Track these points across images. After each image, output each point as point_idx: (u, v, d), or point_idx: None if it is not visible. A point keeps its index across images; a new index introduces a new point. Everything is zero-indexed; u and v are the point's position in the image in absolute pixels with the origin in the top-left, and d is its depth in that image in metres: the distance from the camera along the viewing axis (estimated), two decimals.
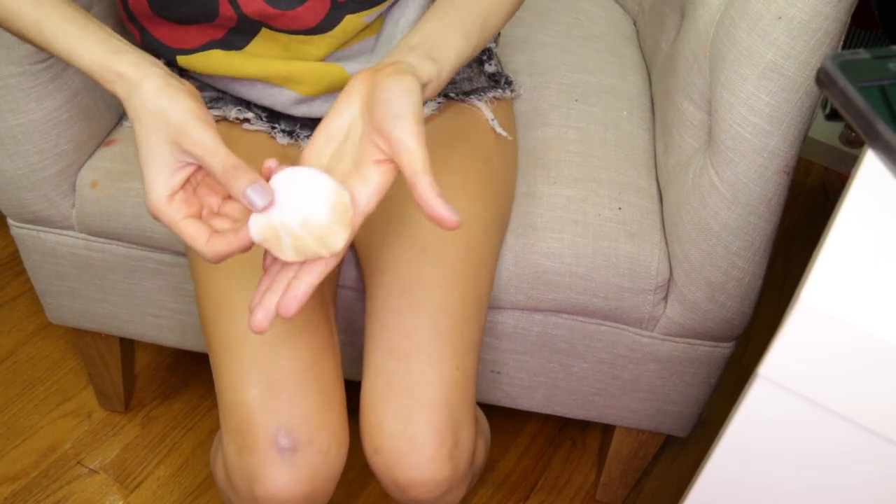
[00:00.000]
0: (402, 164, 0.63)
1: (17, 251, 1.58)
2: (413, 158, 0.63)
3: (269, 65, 0.88)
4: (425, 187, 0.63)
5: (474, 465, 0.85)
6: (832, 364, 0.48)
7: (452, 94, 0.94)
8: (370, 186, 0.66)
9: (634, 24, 1.29)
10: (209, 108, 0.92)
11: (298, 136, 0.93)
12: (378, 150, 0.65)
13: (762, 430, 0.55)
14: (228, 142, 0.90)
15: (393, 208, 0.88)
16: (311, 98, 0.91)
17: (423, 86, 0.67)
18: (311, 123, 0.95)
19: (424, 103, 0.71)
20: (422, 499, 0.80)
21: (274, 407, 0.77)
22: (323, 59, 0.89)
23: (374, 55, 0.91)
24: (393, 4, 0.89)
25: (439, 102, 0.93)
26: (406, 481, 0.78)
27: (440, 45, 0.70)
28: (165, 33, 0.89)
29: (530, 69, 1.14)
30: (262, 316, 0.65)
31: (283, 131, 0.92)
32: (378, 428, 0.79)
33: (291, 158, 0.91)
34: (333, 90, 0.90)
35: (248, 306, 0.80)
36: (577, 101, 1.10)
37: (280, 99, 0.90)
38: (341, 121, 0.67)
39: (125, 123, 1.06)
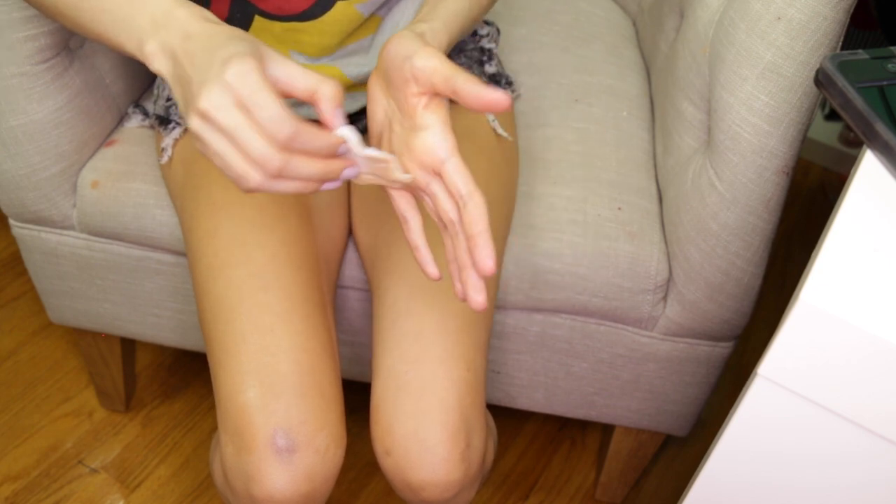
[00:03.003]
0: (437, 85, 0.64)
1: (18, 251, 1.58)
2: (438, 71, 0.64)
3: None
4: (464, 84, 0.63)
5: (484, 466, 0.85)
6: (831, 363, 0.48)
7: None
8: (435, 127, 0.66)
9: (634, 25, 1.29)
10: None
11: None
12: (417, 97, 0.66)
13: (761, 430, 0.55)
14: None
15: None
16: None
17: (420, 34, 0.68)
18: None
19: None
20: (433, 500, 0.80)
21: (272, 408, 0.77)
22: (320, 59, 0.89)
23: (370, 54, 0.91)
24: (390, 1, 0.89)
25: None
26: (418, 483, 0.78)
27: (431, 14, 0.73)
28: None
29: (530, 69, 1.15)
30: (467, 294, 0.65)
31: None
32: (389, 430, 0.79)
33: None
34: None
35: (246, 308, 0.80)
36: (577, 101, 1.10)
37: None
38: (378, 116, 0.70)
39: (126, 123, 1.06)
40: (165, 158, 0.95)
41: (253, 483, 0.77)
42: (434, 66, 0.64)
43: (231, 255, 0.83)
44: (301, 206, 0.89)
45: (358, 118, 0.97)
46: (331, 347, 0.84)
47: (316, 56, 0.88)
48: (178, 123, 0.94)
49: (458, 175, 0.65)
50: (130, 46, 0.65)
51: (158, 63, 0.64)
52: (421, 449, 0.77)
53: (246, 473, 0.77)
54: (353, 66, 0.89)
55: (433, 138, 0.66)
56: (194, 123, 0.60)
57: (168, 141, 0.95)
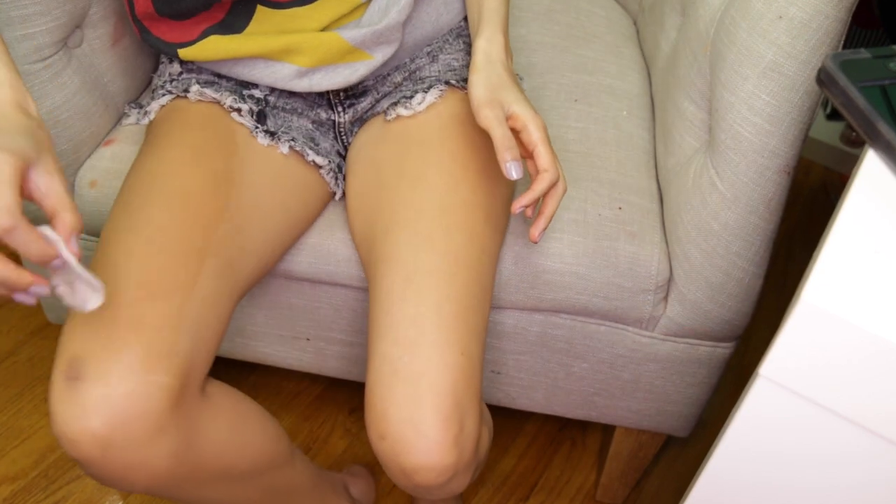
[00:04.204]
0: (522, 138, 0.84)
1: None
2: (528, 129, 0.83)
3: (268, 40, 0.89)
4: (539, 156, 0.83)
5: (478, 454, 0.85)
6: (833, 363, 0.48)
7: (454, 82, 0.95)
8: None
9: (634, 24, 1.29)
10: (203, 89, 0.93)
11: (279, 139, 0.93)
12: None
13: (763, 430, 0.55)
14: (217, 124, 0.90)
15: (396, 198, 0.88)
16: (312, 70, 0.92)
17: (483, 58, 0.86)
18: (296, 123, 0.96)
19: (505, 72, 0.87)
20: (427, 484, 0.80)
21: (77, 335, 0.74)
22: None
23: (361, 21, 0.92)
24: None
25: (441, 90, 0.94)
26: (412, 467, 0.78)
27: (479, 23, 0.89)
28: (165, 30, 0.90)
29: (529, 69, 1.14)
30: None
31: (265, 132, 0.92)
32: (384, 414, 0.79)
33: (271, 159, 0.92)
34: (332, 61, 0.91)
35: (110, 246, 0.78)
36: (576, 101, 1.10)
37: (281, 74, 0.91)
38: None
39: (124, 122, 1.06)
40: (146, 120, 0.96)
41: (51, 419, 0.73)
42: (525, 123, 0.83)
43: (129, 192, 0.83)
44: (228, 173, 0.88)
45: (355, 93, 0.98)
46: (184, 292, 0.79)
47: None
48: (169, 92, 0.95)
49: (541, 158, 0.82)
50: None
51: None
52: (415, 433, 0.77)
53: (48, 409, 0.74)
54: (350, 32, 0.91)
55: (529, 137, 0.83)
56: None
57: (154, 106, 0.95)
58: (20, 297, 0.65)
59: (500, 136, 0.81)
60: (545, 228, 0.84)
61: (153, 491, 0.78)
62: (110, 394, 0.72)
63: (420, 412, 0.77)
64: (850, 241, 0.50)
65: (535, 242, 0.86)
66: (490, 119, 0.82)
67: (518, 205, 0.81)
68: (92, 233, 1.05)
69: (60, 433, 0.73)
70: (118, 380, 0.72)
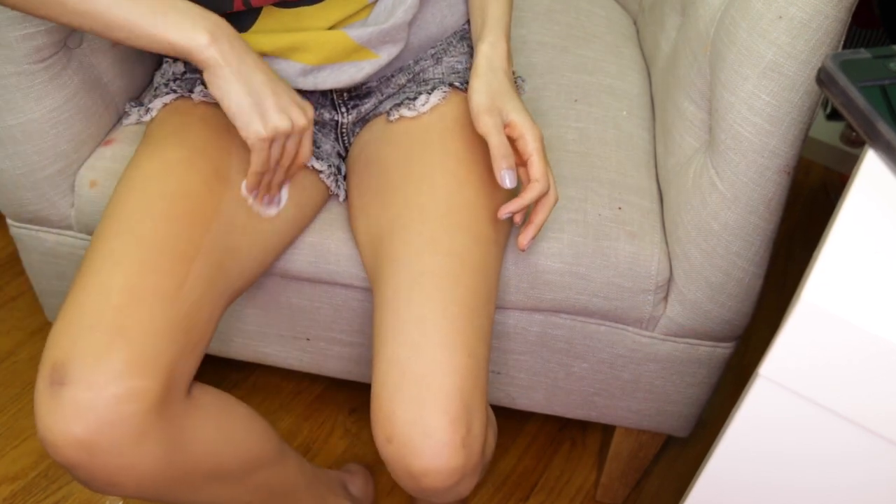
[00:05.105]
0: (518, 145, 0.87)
1: (16, 251, 1.58)
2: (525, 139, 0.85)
3: (274, 38, 0.89)
4: (532, 165, 0.85)
5: (484, 455, 0.85)
6: (833, 363, 0.48)
7: (458, 84, 0.95)
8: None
9: (634, 24, 1.29)
10: (206, 90, 0.93)
11: None
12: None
13: (763, 430, 0.55)
14: (218, 126, 0.91)
15: (400, 199, 0.88)
16: (317, 68, 0.92)
17: (485, 64, 0.87)
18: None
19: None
20: (434, 487, 0.79)
21: (60, 340, 0.74)
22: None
23: (367, 21, 0.92)
24: None
25: (445, 92, 0.94)
26: (419, 469, 0.78)
27: (483, 29, 0.90)
28: None
29: (529, 70, 1.14)
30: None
31: None
32: (391, 416, 0.78)
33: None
34: (338, 59, 0.92)
35: (98, 252, 0.78)
36: (576, 101, 1.10)
37: (287, 72, 0.91)
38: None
39: (124, 122, 1.06)
40: (147, 117, 0.96)
41: (36, 425, 0.74)
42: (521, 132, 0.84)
43: (122, 194, 0.83)
44: (224, 172, 0.88)
45: (359, 94, 0.98)
46: (170, 297, 0.78)
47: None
48: (173, 91, 0.94)
49: (533, 167, 0.84)
50: (174, 35, 0.77)
51: (213, 50, 0.78)
52: (422, 435, 0.77)
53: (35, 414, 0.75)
54: (356, 31, 0.91)
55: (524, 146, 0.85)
56: (274, 119, 0.80)
57: (157, 103, 0.95)
58: (266, 201, 0.89)
59: (497, 144, 0.83)
60: (534, 237, 0.86)
61: (143, 495, 0.78)
62: (93, 398, 0.72)
63: (427, 414, 0.77)
64: (850, 241, 0.50)
65: (524, 250, 0.87)
66: (489, 126, 0.83)
67: (505, 210, 0.83)
68: (92, 232, 1.05)
69: (44, 439, 0.73)
70: (101, 385, 0.72)
